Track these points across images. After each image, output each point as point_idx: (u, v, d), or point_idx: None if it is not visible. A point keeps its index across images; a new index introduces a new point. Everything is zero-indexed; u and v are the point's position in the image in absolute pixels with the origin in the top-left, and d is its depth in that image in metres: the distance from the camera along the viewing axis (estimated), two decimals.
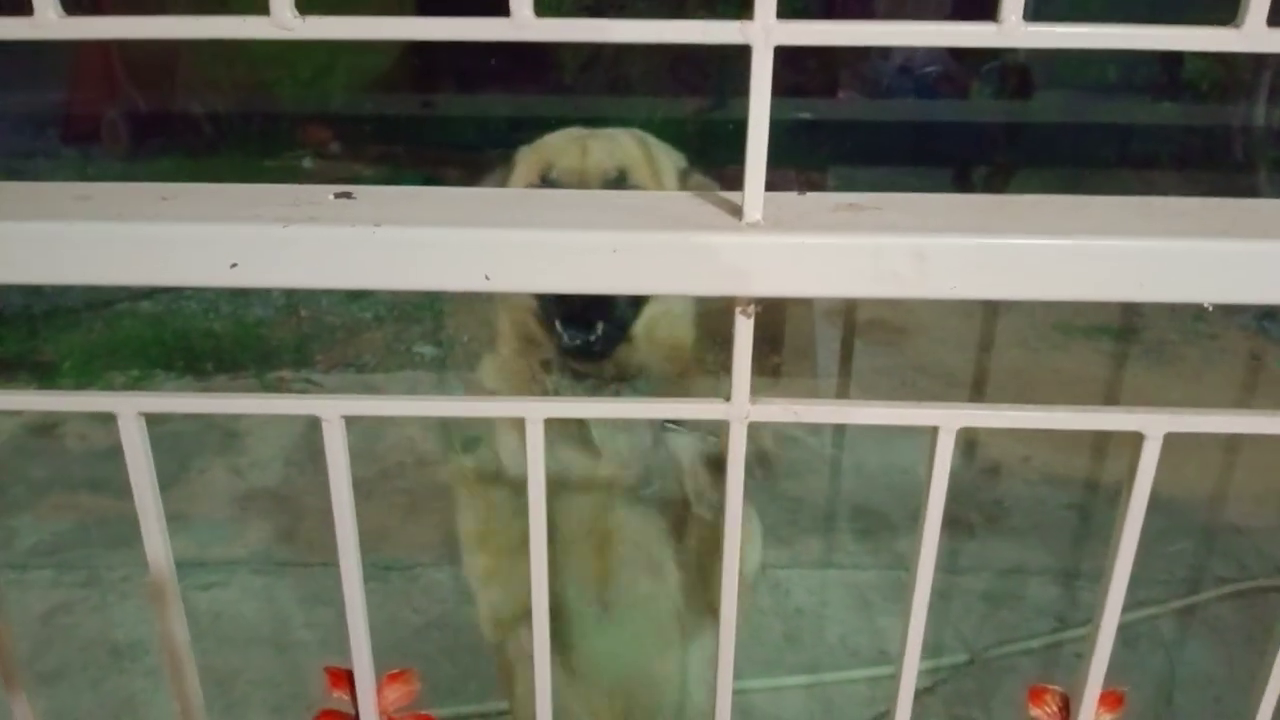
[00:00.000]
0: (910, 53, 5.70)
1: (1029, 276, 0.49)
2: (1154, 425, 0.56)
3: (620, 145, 1.28)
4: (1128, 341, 4.15)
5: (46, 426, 3.29)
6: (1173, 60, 5.80)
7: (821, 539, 2.88)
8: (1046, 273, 0.49)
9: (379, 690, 0.65)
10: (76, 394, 0.54)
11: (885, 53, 5.80)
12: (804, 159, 4.72)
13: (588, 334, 1.23)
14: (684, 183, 1.30)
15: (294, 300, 4.29)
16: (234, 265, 0.47)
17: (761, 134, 0.47)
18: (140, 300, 4.26)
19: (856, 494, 3.05)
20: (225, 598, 2.55)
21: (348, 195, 0.50)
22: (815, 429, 3.25)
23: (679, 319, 1.32)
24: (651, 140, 1.33)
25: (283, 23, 0.44)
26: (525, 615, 1.33)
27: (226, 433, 3.27)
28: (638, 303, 1.27)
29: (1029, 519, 2.92)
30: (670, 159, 1.32)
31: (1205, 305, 0.51)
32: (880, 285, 0.49)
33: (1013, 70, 5.71)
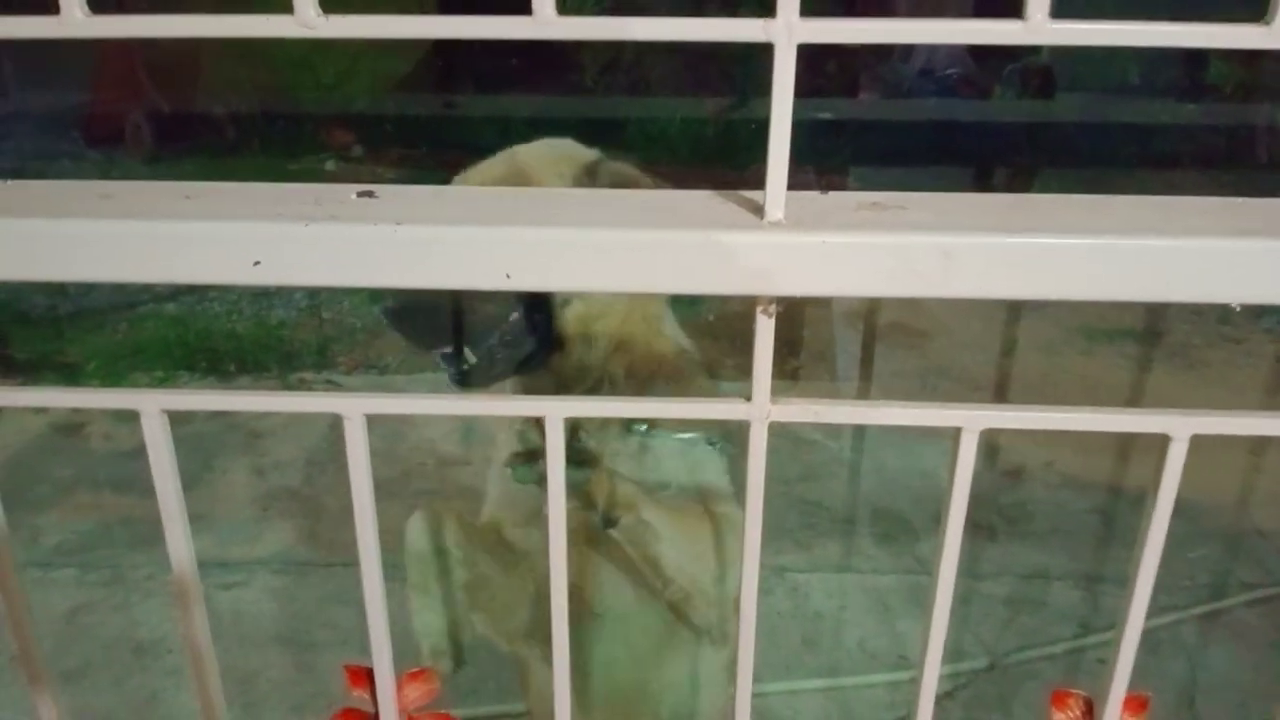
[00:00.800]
0: (931, 55, 5.69)
1: (1054, 276, 0.49)
2: (1180, 427, 0.55)
3: (506, 158, 1.28)
4: (1151, 345, 4.12)
5: (72, 426, 3.32)
6: (1196, 62, 5.77)
7: (840, 543, 2.87)
8: (1071, 272, 0.49)
9: (399, 689, 0.65)
10: (101, 391, 0.54)
11: (906, 55, 5.79)
12: (824, 159, 4.71)
13: (457, 365, 1.23)
14: (590, 179, 1.27)
15: (316, 302, 4.31)
16: (256, 264, 0.48)
17: (784, 133, 0.47)
18: (164, 302, 4.29)
19: (876, 497, 3.03)
20: (246, 597, 2.56)
21: (370, 194, 0.51)
22: (834, 432, 3.23)
23: (619, 314, 1.27)
24: (555, 144, 1.31)
25: (306, 21, 0.44)
26: (524, 630, 1.32)
27: (249, 434, 3.29)
28: (540, 308, 1.24)
29: (1051, 523, 2.90)
30: (555, 159, 1.29)
31: (1233, 306, 0.50)
32: (904, 285, 0.49)
33: (1035, 72, 5.69)
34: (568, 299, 1.24)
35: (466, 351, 1.23)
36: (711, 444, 1.29)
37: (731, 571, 1.24)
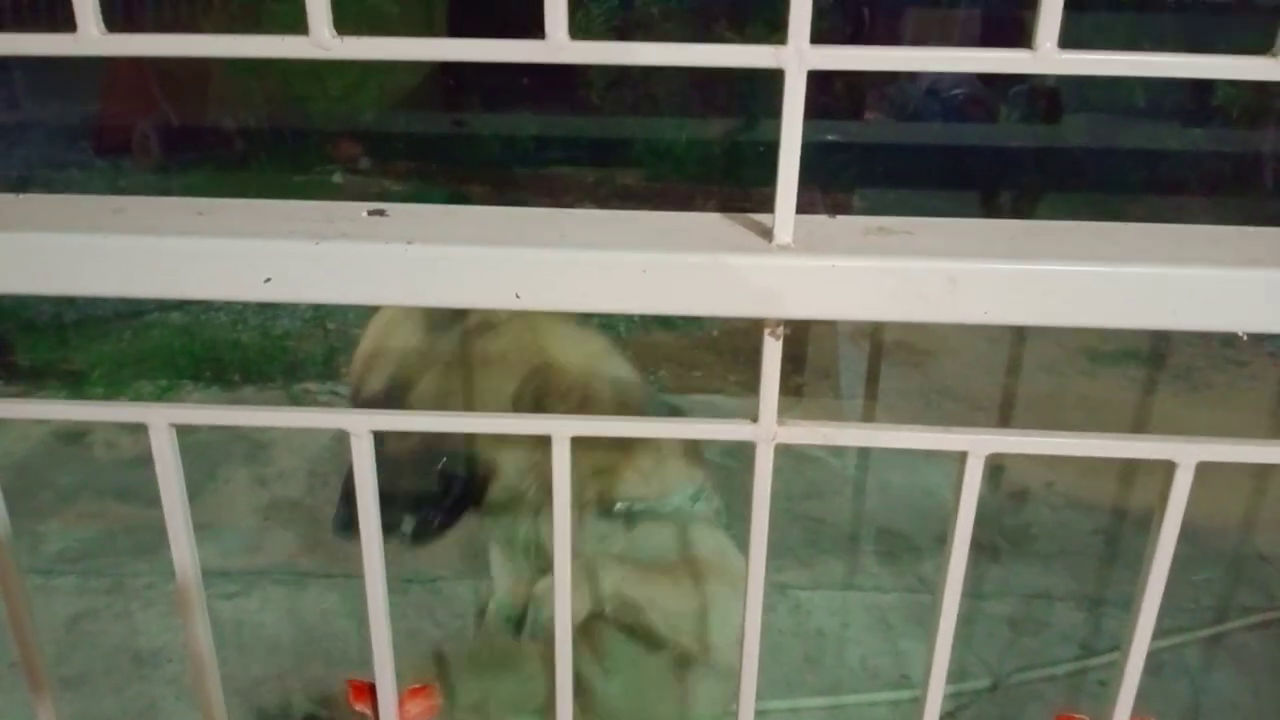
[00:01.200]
0: (938, 76, 5.70)
1: (1061, 302, 0.49)
2: (1186, 454, 0.55)
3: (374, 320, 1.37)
4: (1155, 368, 4.12)
5: (75, 434, 3.32)
6: (1203, 86, 5.78)
7: (843, 560, 2.87)
8: (1078, 299, 0.49)
9: (400, 704, 0.65)
10: (109, 404, 0.54)
11: (913, 75, 5.80)
12: (830, 181, 4.72)
13: (398, 534, 1.33)
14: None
15: (320, 314, 4.32)
16: (267, 280, 0.48)
17: (793, 157, 0.47)
18: (169, 311, 4.30)
19: (879, 515, 3.03)
20: (247, 607, 2.56)
21: (380, 213, 0.51)
22: (838, 450, 3.23)
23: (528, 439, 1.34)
24: None
25: (321, 43, 0.45)
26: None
27: (253, 443, 3.29)
28: (453, 472, 1.33)
29: (1054, 544, 2.89)
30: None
31: (1240, 334, 0.51)
32: (910, 309, 0.49)
33: (1041, 94, 5.71)
34: (477, 453, 1.29)
35: (405, 519, 1.33)
36: (695, 499, 1.32)
37: (729, 612, 1.28)
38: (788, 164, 0.47)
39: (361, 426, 0.55)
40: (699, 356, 4.06)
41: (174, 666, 2.34)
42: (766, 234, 0.50)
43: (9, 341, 4.08)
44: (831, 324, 4.08)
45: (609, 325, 4.28)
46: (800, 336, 3.94)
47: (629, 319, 4.33)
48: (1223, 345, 4.25)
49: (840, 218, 0.52)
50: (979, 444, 0.56)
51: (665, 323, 4.32)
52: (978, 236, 0.52)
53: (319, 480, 3.10)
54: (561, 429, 0.56)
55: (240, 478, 3.13)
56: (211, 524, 2.86)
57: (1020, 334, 3.84)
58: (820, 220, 0.52)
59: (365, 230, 0.49)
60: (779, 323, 0.51)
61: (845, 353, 4.03)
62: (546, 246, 0.48)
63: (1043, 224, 0.53)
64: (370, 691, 0.65)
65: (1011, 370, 3.88)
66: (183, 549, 0.60)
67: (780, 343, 0.52)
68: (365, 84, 5.91)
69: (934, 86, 5.76)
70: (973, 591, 2.59)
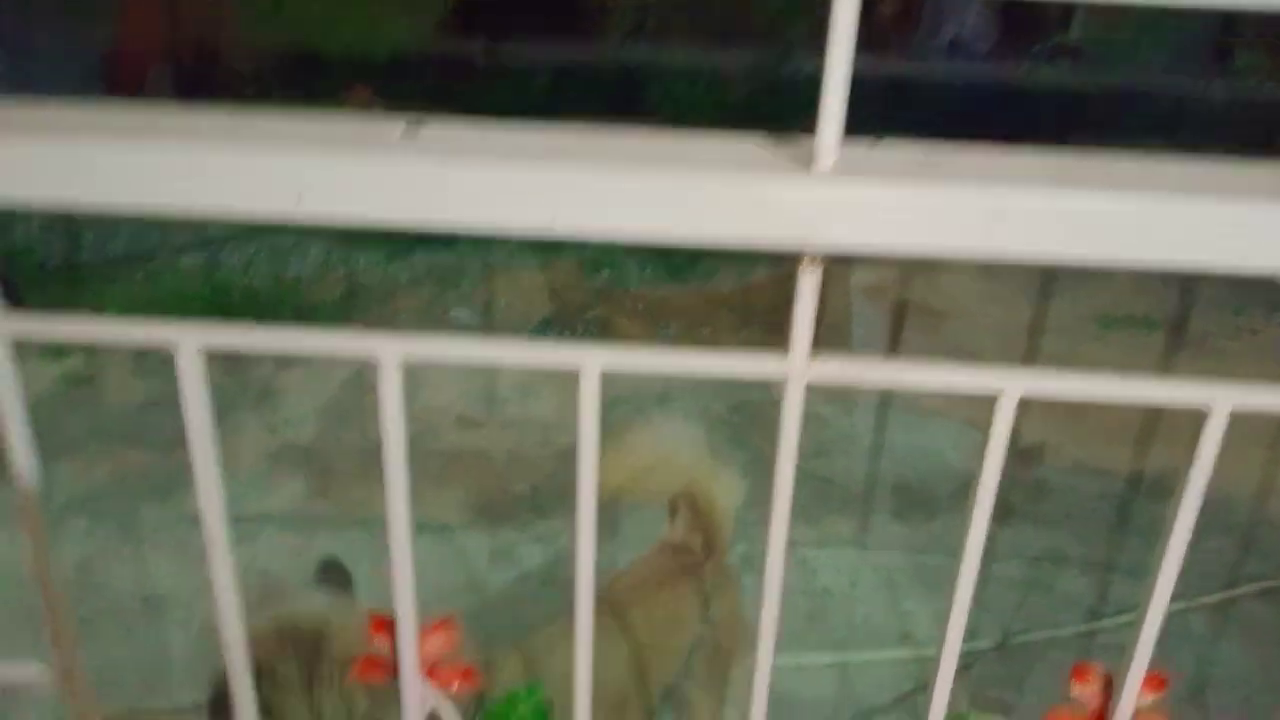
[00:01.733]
0: (959, 30, 5.65)
1: (1107, 236, 0.48)
2: (1220, 400, 0.54)
3: None
4: (1167, 333, 4.11)
5: (85, 378, 3.33)
6: (1223, 51, 5.74)
7: (850, 520, 2.88)
8: (1125, 233, 0.48)
9: (421, 638, 0.65)
10: (135, 324, 0.54)
11: (935, 29, 5.74)
12: (849, 129, 4.68)
13: None
14: None
15: (331, 260, 4.31)
16: (300, 197, 0.47)
17: (840, 78, 0.46)
18: (180, 255, 4.30)
19: (886, 475, 3.04)
20: (253, 552, 2.57)
21: (417, 127, 0.50)
22: (846, 409, 3.23)
23: None
24: None
25: None
26: None
27: (261, 390, 3.29)
28: None
29: (1061, 508, 2.90)
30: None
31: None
32: (953, 241, 0.48)
33: (1063, 51, 5.65)
34: None
35: None
36: None
37: None
38: (834, 85, 0.46)
39: (391, 353, 0.54)
40: (708, 313, 4.05)
41: (183, 610, 2.36)
42: (807, 160, 0.49)
43: (19, 285, 4.08)
44: (845, 282, 4.07)
45: (619, 280, 4.27)
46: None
47: (640, 273, 4.32)
48: (1235, 314, 4.24)
49: (883, 144, 0.51)
50: (1013, 384, 0.55)
51: (675, 277, 4.31)
52: (1023, 168, 0.50)
53: (328, 426, 3.11)
54: (591, 361, 0.55)
55: (249, 424, 3.14)
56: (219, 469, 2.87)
57: (1034, 296, 3.83)
58: (862, 148, 0.50)
59: (401, 147, 0.48)
60: (818, 252, 0.50)
61: (859, 311, 4.02)
62: (583, 169, 0.47)
63: (1089, 156, 0.52)
64: (389, 626, 0.65)
65: (1024, 333, 3.87)
66: (208, 481, 0.59)
67: (817, 275, 0.51)
68: (378, 27, 5.87)
69: (956, 40, 5.69)
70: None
